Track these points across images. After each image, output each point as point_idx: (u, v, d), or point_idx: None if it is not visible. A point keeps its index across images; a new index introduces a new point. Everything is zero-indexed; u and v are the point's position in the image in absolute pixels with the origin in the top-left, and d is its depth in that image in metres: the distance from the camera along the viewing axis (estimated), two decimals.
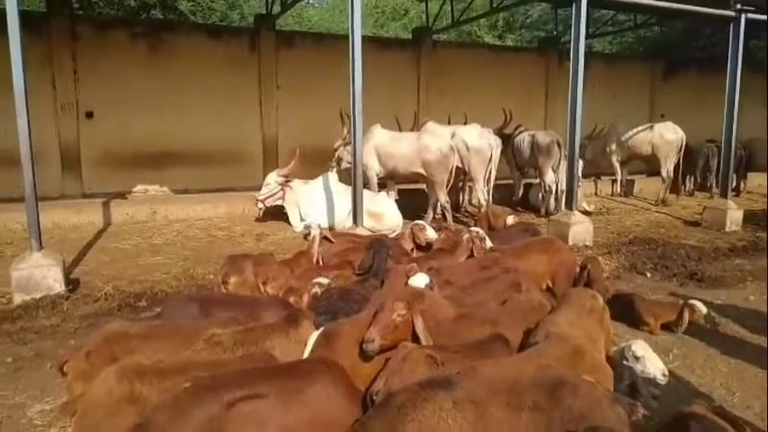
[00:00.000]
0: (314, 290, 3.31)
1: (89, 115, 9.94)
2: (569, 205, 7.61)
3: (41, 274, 5.34)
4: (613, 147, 11.43)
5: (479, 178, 8.52)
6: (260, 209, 8.44)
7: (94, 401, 1.88)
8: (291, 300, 3.36)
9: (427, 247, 4.74)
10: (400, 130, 9.17)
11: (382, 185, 8.90)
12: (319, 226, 4.93)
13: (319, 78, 10.81)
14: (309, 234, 4.85)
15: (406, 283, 3.02)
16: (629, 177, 11.98)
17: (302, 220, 8.25)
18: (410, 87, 12.53)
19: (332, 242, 4.74)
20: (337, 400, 1.92)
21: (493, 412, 1.62)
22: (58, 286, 5.38)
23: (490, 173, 8.94)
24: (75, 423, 1.92)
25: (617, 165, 11.61)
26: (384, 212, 7.82)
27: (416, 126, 9.42)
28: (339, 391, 1.96)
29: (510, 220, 6.30)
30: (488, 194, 8.64)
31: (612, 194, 11.86)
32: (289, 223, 8.27)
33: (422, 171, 8.28)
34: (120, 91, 9.98)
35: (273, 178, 8.38)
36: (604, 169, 11.94)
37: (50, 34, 9.51)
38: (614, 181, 11.91)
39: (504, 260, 3.60)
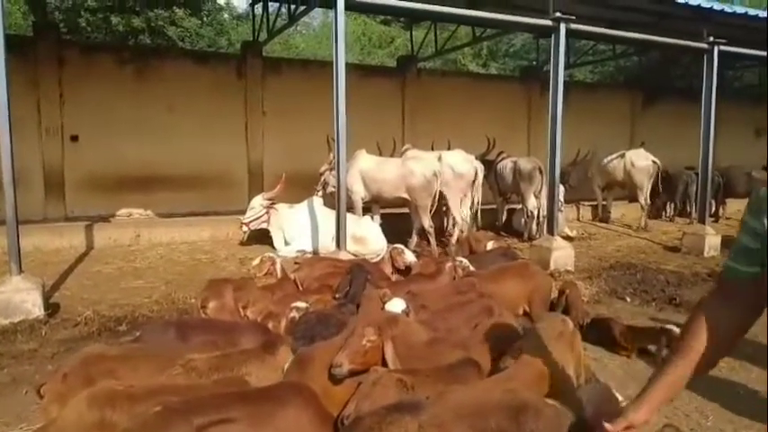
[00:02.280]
0: (291, 314, 3.33)
1: (74, 139, 9.94)
2: (551, 230, 7.73)
3: (20, 298, 5.30)
4: (594, 173, 11.66)
5: (455, 202, 8.64)
6: (244, 232, 8.47)
7: (66, 428, 1.89)
8: (270, 324, 3.39)
9: (407, 270, 4.79)
10: (381, 156, 9.30)
11: (367, 209, 8.97)
12: (274, 254, 5.03)
13: (305, 104, 10.94)
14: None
15: (383, 308, 3.07)
16: (611, 203, 12.17)
17: (286, 243, 8.28)
18: (395, 114, 12.72)
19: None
20: (308, 424, 1.94)
21: None
22: (37, 310, 5.34)
23: (474, 198, 9.07)
24: None
25: (597, 191, 11.84)
26: (368, 236, 7.88)
27: (396, 152, 9.54)
28: (310, 414, 1.98)
29: (490, 245, 6.39)
30: (473, 219, 8.74)
31: (594, 220, 12.03)
32: (273, 247, 8.28)
33: (406, 196, 8.37)
34: (107, 115, 10.01)
35: (258, 201, 8.44)
36: (588, 195, 12.13)
37: (36, 58, 9.56)
38: (595, 206, 12.10)
39: (481, 285, 3.66)
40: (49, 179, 9.73)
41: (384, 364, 2.31)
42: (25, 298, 5.31)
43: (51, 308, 5.57)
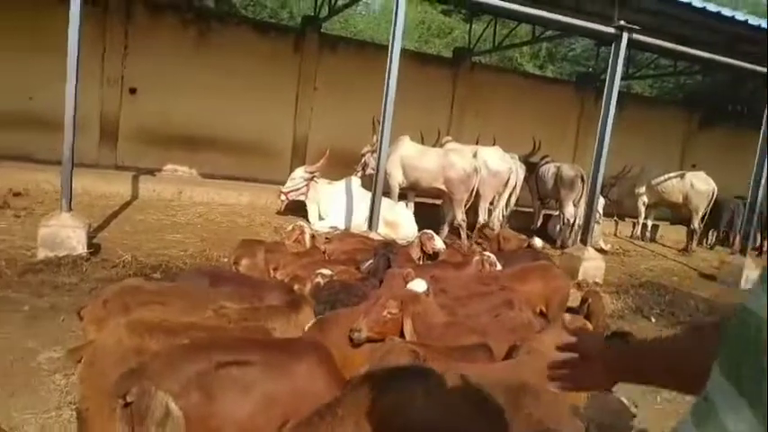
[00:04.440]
0: (317, 279, 3.46)
1: (132, 91, 10.31)
2: (584, 240, 7.65)
3: (66, 233, 5.60)
4: (642, 190, 11.34)
5: (486, 199, 8.63)
6: (282, 201, 8.65)
7: (104, 350, 2.05)
8: (296, 287, 3.52)
9: (434, 256, 4.86)
10: (423, 144, 9.34)
11: (403, 196, 9.04)
12: (306, 224, 5.20)
13: (357, 84, 11.03)
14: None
15: (404, 287, 3.15)
16: (653, 222, 11.88)
17: (321, 218, 8.44)
18: (444, 105, 12.69)
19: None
20: (320, 380, 2.05)
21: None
22: (81, 248, 5.63)
23: (510, 198, 9.03)
24: (82, 368, 2.09)
25: (642, 208, 11.52)
26: (400, 222, 7.97)
27: (438, 143, 9.56)
28: (323, 371, 2.09)
29: (537, 242, 6.33)
30: (504, 219, 8.72)
31: (632, 237, 11.79)
32: (308, 220, 8.45)
33: (443, 187, 8.40)
34: (165, 72, 10.32)
35: (300, 173, 8.59)
36: (628, 211, 11.88)
37: (107, 8, 9.92)
38: (635, 223, 11.84)
39: (502, 280, 3.71)
40: (105, 128, 10.13)
41: (402, 337, 2.41)
42: (71, 234, 5.61)
43: (93, 247, 5.86)
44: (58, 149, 5.71)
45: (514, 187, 9.06)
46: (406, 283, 3.20)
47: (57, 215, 5.67)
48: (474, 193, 8.31)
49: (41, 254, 5.46)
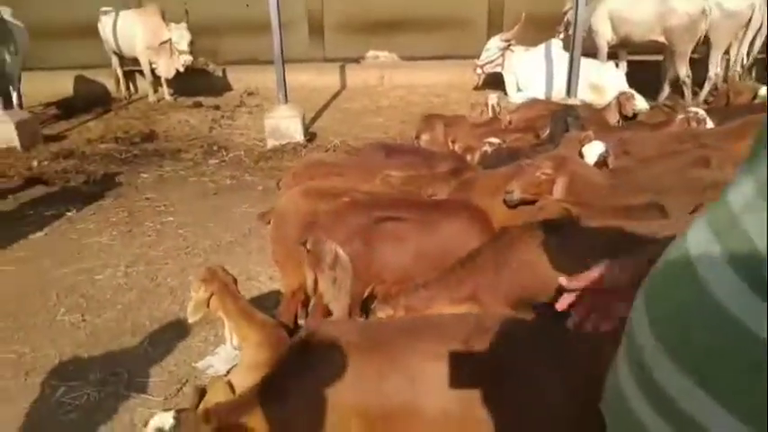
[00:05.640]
0: (484, 147, 3.47)
1: None
2: None
3: (286, 124, 6.42)
4: None
5: (720, 47, 7.16)
6: (479, 75, 8.47)
7: (285, 212, 2.47)
8: (468, 157, 3.59)
9: (635, 118, 4.39)
10: None
11: (613, 56, 8.10)
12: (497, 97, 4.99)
13: None
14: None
15: (580, 151, 2.98)
16: None
17: (519, 89, 8.10)
18: None
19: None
20: (469, 237, 2.17)
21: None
22: (298, 136, 6.43)
23: (754, 42, 7.41)
24: (271, 228, 2.57)
25: None
26: (608, 85, 7.22)
27: None
28: (474, 228, 2.20)
29: (763, 91, 5.19)
30: (744, 70, 7.25)
31: None
32: (506, 93, 8.19)
33: (662, 39, 7.27)
34: None
35: (495, 43, 8.23)
36: None
37: None
38: None
39: (708, 137, 3.20)
40: (312, 24, 10.88)
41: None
42: (289, 124, 6.42)
43: (309, 135, 6.65)
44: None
45: (759, 29, 7.36)
46: (582, 145, 3.02)
47: (276, 107, 6.49)
48: (701, 41, 7.03)
49: (269, 143, 6.39)
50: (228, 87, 9.38)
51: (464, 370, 1.31)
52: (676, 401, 0.60)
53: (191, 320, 2.20)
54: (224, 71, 9.51)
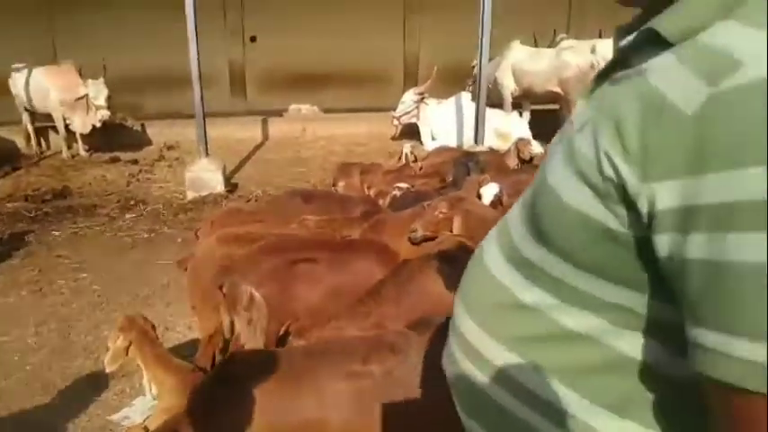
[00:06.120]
0: (394, 192, 3.73)
1: (252, 39, 11.04)
2: None
3: (206, 176, 6.46)
4: None
5: None
6: (396, 126, 8.88)
7: (201, 258, 2.55)
8: (381, 201, 3.83)
9: (531, 161, 4.83)
10: (536, 46, 8.85)
11: (518, 106, 8.79)
12: (411, 146, 5.40)
13: None
14: None
15: (478, 192, 3.28)
16: None
17: (433, 139, 8.56)
18: (561, 1, 11.73)
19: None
20: (378, 272, 2.33)
21: None
22: (219, 187, 6.48)
23: None
24: (188, 274, 2.64)
25: None
26: (512, 133, 7.80)
27: (553, 43, 8.98)
28: (382, 265, 2.37)
29: None
30: None
31: None
32: (421, 142, 8.62)
33: (558, 90, 8.01)
34: (280, 17, 10.78)
35: (409, 96, 8.68)
36: None
37: None
38: None
39: None
40: (233, 77, 11.07)
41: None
42: (210, 176, 6.46)
43: (231, 186, 6.70)
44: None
45: None
46: (481, 187, 3.32)
47: (197, 161, 6.54)
48: None
49: (189, 195, 6.39)
50: (148, 142, 9.27)
51: (364, 385, 1.45)
52: (525, 256, 0.78)
53: (108, 370, 2.21)
54: (143, 126, 9.42)
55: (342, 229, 2.85)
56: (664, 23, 0.62)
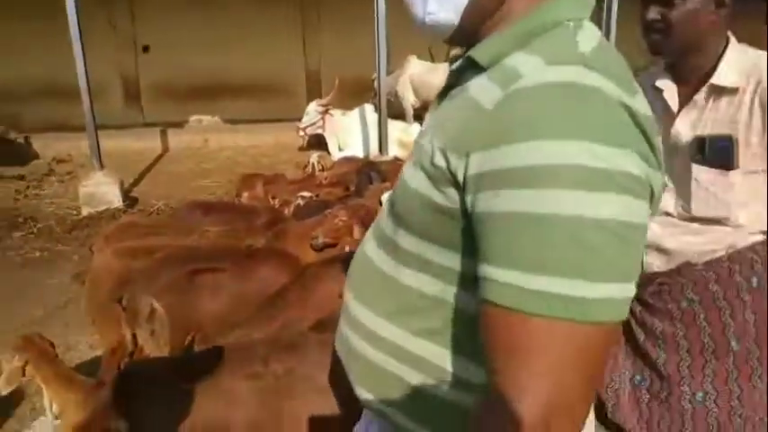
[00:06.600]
0: (297, 201, 3.86)
1: (145, 49, 10.64)
2: None
3: (102, 191, 6.19)
4: None
5: None
6: (302, 137, 8.95)
7: (98, 273, 2.52)
8: (285, 210, 3.92)
9: None
10: (433, 61, 9.30)
11: (419, 117, 9.17)
12: (318, 156, 5.66)
13: (364, 8, 10.86)
14: None
15: (380, 199, 3.47)
16: None
17: (340, 149, 8.73)
18: None
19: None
20: (282, 278, 2.44)
21: None
22: (117, 201, 6.23)
23: None
24: (86, 288, 2.59)
25: None
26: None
27: (448, 58, 9.47)
28: (285, 271, 2.48)
29: None
30: None
31: None
32: (329, 152, 8.74)
33: None
34: (175, 27, 10.48)
35: (313, 107, 8.79)
36: None
37: None
38: None
39: None
40: (127, 88, 10.60)
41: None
42: (106, 190, 6.20)
43: (130, 200, 6.46)
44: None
45: None
46: (382, 194, 3.51)
47: (91, 175, 6.24)
48: None
49: (84, 211, 6.09)
50: (35, 156, 8.67)
51: (266, 384, 1.55)
52: (388, 235, 0.96)
53: (3, 393, 2.13)
54: (26, 139, 8.80)
55: (245, 239, 2.91)
56: (478, 53, 0.85)
